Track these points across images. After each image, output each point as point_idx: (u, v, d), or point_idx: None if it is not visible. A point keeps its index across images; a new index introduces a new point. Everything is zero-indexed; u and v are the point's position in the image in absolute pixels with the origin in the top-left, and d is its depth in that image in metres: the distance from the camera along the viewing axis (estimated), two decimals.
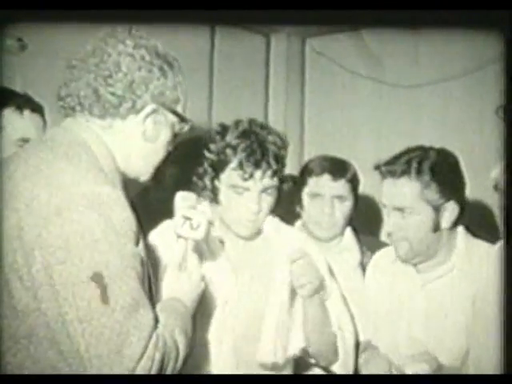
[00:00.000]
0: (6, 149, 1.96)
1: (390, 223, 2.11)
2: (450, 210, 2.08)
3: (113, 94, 1.55)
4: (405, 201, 2.06)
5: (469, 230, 2.17)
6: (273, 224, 2.16)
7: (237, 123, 2.07)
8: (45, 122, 2.07)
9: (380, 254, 2.34)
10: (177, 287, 1.68)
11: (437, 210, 2.07)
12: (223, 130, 2.06)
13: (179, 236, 1.75)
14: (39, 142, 1.61)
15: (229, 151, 2.02)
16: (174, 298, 1.64)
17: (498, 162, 1.82)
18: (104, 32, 1.62)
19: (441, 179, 2.06)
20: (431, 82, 3.39)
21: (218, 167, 2.04)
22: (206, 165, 2.07)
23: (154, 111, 1.60)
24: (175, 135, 1.67)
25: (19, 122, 2.00)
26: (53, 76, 2.66)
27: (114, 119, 1.58)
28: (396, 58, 3.51)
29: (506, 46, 1.88)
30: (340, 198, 2.47)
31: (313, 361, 2.17)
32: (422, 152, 2.10)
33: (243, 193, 2.03)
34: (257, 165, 2.00)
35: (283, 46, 3.76)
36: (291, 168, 2.28)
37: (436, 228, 2.08)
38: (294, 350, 2.08)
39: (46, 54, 2.69)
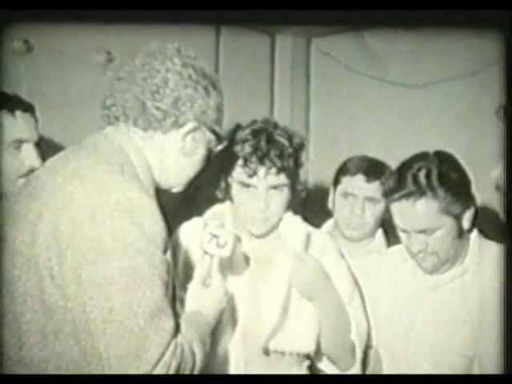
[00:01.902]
0: (1, 151, 2.00)
1: (415, 244, 2.04)
2: (469, 213, 2.05)
3: (158, 108, 1.63)
4: (428, 223, 2.00)
5: (482, 232, 2.14)
6: (291, 221, 2.16)
7: (251, 123, 2.10)
8: (36, 120, 2.10)
9: (390, 252, 2.30)
10: (200, 302, 1.71)
11: (457, 217, 2.03)
12: (237, 128, 2.09)
13: (205, 252, 1.79)
14: (80, 147, 1.66)
15: (237, 148, 2.04)
16: (197, 312, 1.68)
17: (499, 161, 1.83)
18: (154, 47, 1.69)
19: (453, 189, 2.00)
20: (435, 81, 3.39)
21: (230, 164, 2.07)
22: (219, 162, 2.09)
23: (194, 129, 1.67)
24: (210, 152, 1.74)
25: (12, 124, 2.02)
26: (58, 77, 2.70)
27: (155, 132, 1.65)
28: (399, 59, 3.51)
29: (506, 46, 1.88)
30: (372, 199, 2.48)
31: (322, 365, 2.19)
32: (422, 163, 2.03)
33: (250, 190, 2.04)
34: (261, 161, 2.01)
35: (288, 46, 3.77)
36: None
37: (460, 234, 2.05)
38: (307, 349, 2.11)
39: (51, 56, 2.71)
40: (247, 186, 2.04)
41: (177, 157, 1.69)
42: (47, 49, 2.72)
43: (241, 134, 2.06)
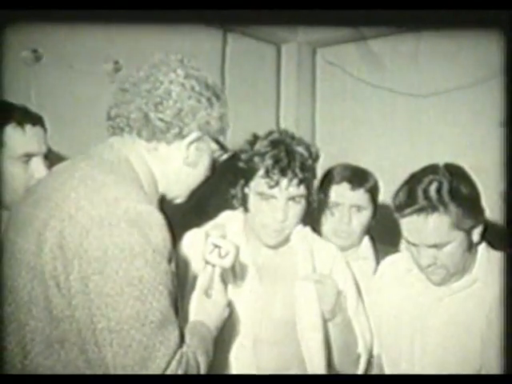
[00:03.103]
0: (11, 165, 2.00)
1: (425, 259, 2.01)
2: (479, 226, 2.03)
3: (162, 119, 1.65)
4: (440, 238, 1.97)
5: (489, 243, 2.12)
6: (302, 233, 2.18)
7: (268, 133, 2.12)
8: (45, 131, 2.10)
9: (390, 262, 2.28)
10: (202, 312, 1.74)
11: (468, 231, 2.00)
12: (254, 139, 2.11)
13: (207, 262, 1.81)
14: (86, 156, 1.67)
15: (257, 159, 2.06)
16: (199, 322, 1.70)
17: (502, 172, 1.83)
18: (158, 58, 1.71)
19: (465, 204, 1.97)
20: (439, 91, 3.39)
21: (248, 175, 2.09)
22: (236, 172, 2.11)
23: (198, 139, 1.69)
24: (214, 162, 1.76)
25: (21, 138, 2.01)
26: (66, 86, 2.72)
27: (159, 143, 1.67)
28: (403, 68, 3.52)
29: (506, 46, 1.88)
30: (358, 207, 2.48)
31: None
32: (433, 176, 1.98)
33: (270, 200, 2.06)
34: (283, 173, 2.03)
35: (294, 56, 3.78)
36: None
37: (470, 247, 2.03)
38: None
39: (60, 65, 2.73)
40: (267, 196, 2.06)
41: (180, 167, 1.71)
42: (56, 58, 2.73)
43: (259, 146, 2.08)
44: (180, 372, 1.48)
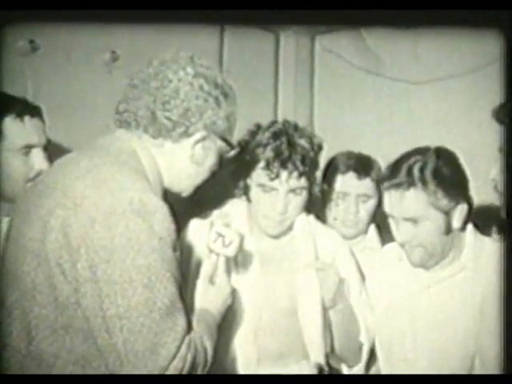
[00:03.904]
0: (10, 157, 2.01)
1: (402, 233, 2.06)
2: (460, 210, 2.05)
3: (168, 118, 1.66)
4: (414, 212, 2.02)
5: (477, 227, 2.15)
6: (305, 222, 2.19)
7: (271, 124, 2.13)
8: (44, 123, 2.10)
9: (386, 250, 2.31)
10: (207, 299, 1.77)
11: (447, 213, 2.04)
12: (256, 129, 2.11)
13: (211, 251, 1.83)
14: (92, 147, 1.69)
15: (258, 150, 2.07)
16: (205, 309, 1.73)
17: (496, 162, 1.83)
18: (168, 55, 1.73)
19: (445, 184, 2.02)
20: (437, 78, 3.39)
21: (249, 166, 2.09)
22: (238, 163, 2.11)
23: (204, 138, 1.70)
24: (221, 158, 1.78)
25: (21, 130, 2.02)
26: (64, 77, 2.72)
27: (165, 140, 1.69)
28: (400, 55, 3.51)
29: (506, 45, 1.89)
30: (365, 196, 2.49)
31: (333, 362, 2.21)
32: (420, 157, 2.04)
33: (270, 192, 2.06)
34: (283, 165, 2.03)
35: (292, 44, 3.76)
36: None
37: (448, 230, 2.06)
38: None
39: (57, 56, 2.72)
40: (267, 188, 2.06)
41: (186, 164, 1.72)
42: (53, 48, 2.72)
43: (261, 137, 2.08)
44: (190, 357, 1.51)
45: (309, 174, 2.07)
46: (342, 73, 3.73)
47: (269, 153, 2.04)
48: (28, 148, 2.03)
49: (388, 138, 3.47)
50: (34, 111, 2.08)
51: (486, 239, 2.14)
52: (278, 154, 2.03)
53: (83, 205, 1.52)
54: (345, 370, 2.21)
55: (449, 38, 3.06)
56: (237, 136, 2.05)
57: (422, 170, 2.02)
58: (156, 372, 1.46)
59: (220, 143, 1.75)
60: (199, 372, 1.56)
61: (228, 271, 1.90)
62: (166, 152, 1.70)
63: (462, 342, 2.06)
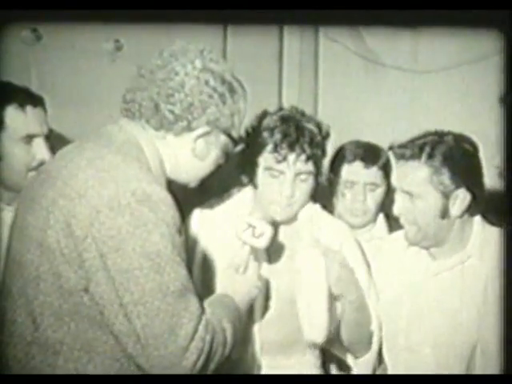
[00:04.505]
0: (12, 146, 2.01)
1: (398, 205, 2.08)
2: (461, 198, 2.03)
3: (171, 111, 1.65)
4: (412, 185, 2.03)
5: (485, 218, 2.14)
6: (311, 211, 2.18)
7: (278, 110, 2.13)
8: (46, 112, 2.10)
9: (393, 237, 2.29)
10: (231, 287, 1.78)
11: (446, 196, 2.03)
12: (264, 114, 2.11)
13: (240, 240, 1.83)
14: (95, 136, 1.69)
15: (266, 134, 2.06)
16: (223, 294, 1.76)
17: (501, 149, 1.83)
18: (177, 47, 1.70)
19: (452, 165, 2.01)
20: (441, 67, 3.38)
21: (257, 150, 2.08)
22: (245, 148, 2.11)
23: (206, 133, 1.69)
24: (226, 153, 1.77)
25: (23, 120, 2.02)
26: (67, 66, 2.71)
27: (167, 133, 1.68)
28: (403, 44, 3.51)
29: (506, 45, 1.89)
30: (372, 185, 2.49)
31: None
32: (438, 137, 2.05)
33: (278, 176, 2.06)
34: (291, 147, 2.03)
35: (297, 33, 3.75)
36: None
37: (444, 215, 2.05)
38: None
39: (61, 45, 2.71)
40: (275, 171, 2.06)
41: (188, 158, 1.72)
42: (56, 37, 2.71)
43: (269, 121, 2.08)
44: (208, 337, 1.52)
45: (316, 158, 2.07)
46: (347, 61, 3.71)
47: (277, 135, 2.04)
48: (30, 138, 2.03)
49: (391, 127, 3.45)
50: (36, 101, 2.07)
51: (491, 229, 2.13)
52: (285, 136, 2.03)
53: (87, 195, 1.52)
54: (350, 361, 2.20)
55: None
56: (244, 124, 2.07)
57: (433, 148, 2.02)
58: (178, 353, 1.49)
59: (224, 139, 1.74)
60: (220, 352, 1.57)
61: (258, 262, 1.92)
62: (169, 144, 1.69)
63: (465, 331, 2.06)
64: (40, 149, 2.04)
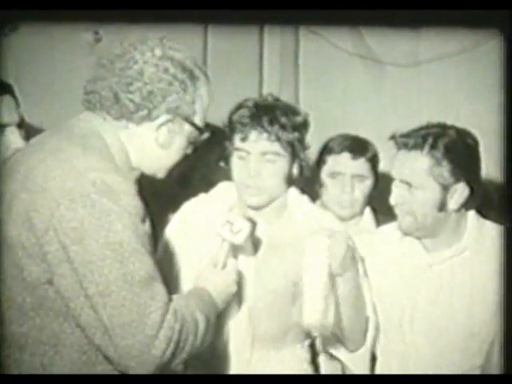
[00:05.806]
0: None
1: (395, 194, 2.08)
2: (460, 192, 2.05)
3: (131, 100, 1.63)
4: (412, 175, 2.04)
5: (480, 212, 2.15)
6: (298, 201, 2.17)
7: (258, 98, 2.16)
8: (16, 100, 2.07)
9: (386, 229, 2.29)
10: (208, 282, 1.78)
11: (445, 189, 2.04)
12: (241, 104, 2.11)
13: (218, 235, 1.83)
14: (56, 129, 1.68)
15: (236, 117, 2.08)
16: (202, 288, 1.75)
17: (501, 150, 1.85)
18: (136, 37, 1.69)
19: (454, 158, 2.03)
20: (428, 60, 3.38)
21: (229, 133, 2.10)
22: (223, 135, 2.12)
23: (168, 121, 1.67)
24: (193, 141, 1.74)
25: None
26: (45, 57, 2.69)
27: (129, 122, 1.66)
28: (387, 38, 3.50)
29: (506, 45, 1.89)
30: (360, 177, 2.50)
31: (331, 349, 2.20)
32: (441, 129, 2.07)
33: (244, 157, 2.06)
34: (252, 125, 2.03)
35: (277, 26, 3.75)
36: None
37: (442, 207, 2.06)
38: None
39: (39, 36, 2.69)
40: (242, 152, 2.06)
41: (152, 147, 1.69)
42: (34, 27, 2.69)
43: (243, 106, 2.09)
44: (177, 326, 1.52)
45: (287, 142, 2.05)
46: (327, 55, 3.71)
47: (242, 113, 2.06)
48: (1, 127, 2.00)
49: (376, 120, 3.46)
50: (4, 89, 2.04)
51: (486, 222, 2.15)
52: (250, 115, 2.05)
53: (47, 187, 1.51)
54: (345, 357, 2.19)
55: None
56: (218, 118, 2.06)
57: (436, 139, 2.04)
58: (146, 341, 1.48)
59: (188, 127, 1.71)
60: (190, 341, 1.56)
61: (234, 258, 1.91)
62: (132, 134, 1.67)
63: (460, 322, 2.07)
64: (13, 138, 2.01)
